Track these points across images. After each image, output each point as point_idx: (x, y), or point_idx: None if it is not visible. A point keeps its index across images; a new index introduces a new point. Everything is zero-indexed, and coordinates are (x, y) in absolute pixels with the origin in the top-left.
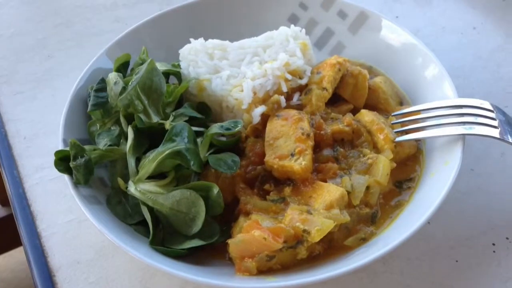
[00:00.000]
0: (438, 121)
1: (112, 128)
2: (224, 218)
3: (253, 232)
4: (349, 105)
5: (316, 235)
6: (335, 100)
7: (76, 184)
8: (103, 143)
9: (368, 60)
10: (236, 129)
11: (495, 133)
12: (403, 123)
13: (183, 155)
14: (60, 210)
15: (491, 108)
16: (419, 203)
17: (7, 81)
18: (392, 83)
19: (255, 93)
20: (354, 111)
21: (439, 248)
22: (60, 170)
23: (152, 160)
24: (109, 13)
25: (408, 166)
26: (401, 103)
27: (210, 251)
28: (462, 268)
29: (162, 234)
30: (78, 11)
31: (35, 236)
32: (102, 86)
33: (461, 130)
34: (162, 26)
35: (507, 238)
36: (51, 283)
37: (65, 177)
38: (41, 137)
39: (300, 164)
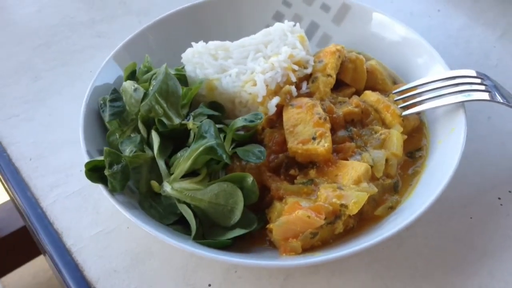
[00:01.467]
0: (436, 93)
1: (132, 135)
2: (254, 207)
3: (297, 212)
4: (351, 88)
5: (354, 208)
6: (338, 85)
7: (111, 192)
8: (128, 150)
9: (356, 47)
10: (259, 120)
11: (491, 97)
12: (404, 99)
13: (215, 150)
14: (84, 224)
15: (480, 75)
16: (434, 169)
17: None
18: (383, 65)
19: (267, 86)
20: (357, 94)
21: (454, 208)
22: (93, 181)
23: (186, 158)
24: (88, 30)
25: (414, 138)
26: (395, 82)
27: (249, 239)
28: (477, 224)
29: (201, 229)
30: (56, 30)
31: (65, 252)
32: (116, 96)
33: (460, 98)
34: (165, 30)
35: (510, 192)
36: None
37: (100, 186)
38: (46, 156)
39: (323, 146)
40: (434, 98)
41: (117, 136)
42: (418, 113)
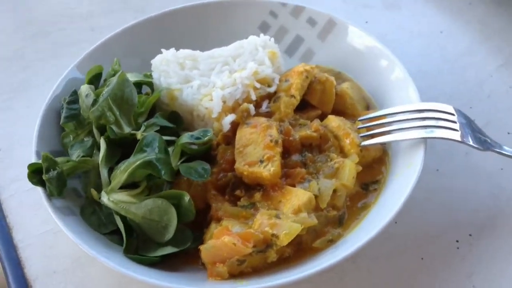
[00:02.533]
0: (401, 125)
1: (85, 139)
2: (198, 225)
3: (223, 238)
4: (317, 110)
5: (284, 239)
6: (304, 106)
7: (49, 196)
8: (76, 154)
9: (337, 66)
10: (206, 138)
11: (455, 135)
12: (368, 128)
13: (154, 165)
14: (36, 221)
15: (452, 111)
16: (384, 204)
17: None
18: (359, 88)
19: (224, 102)
20: (323, 117)
21: (406, 247)
22: (33, 183)
23: (123, 170)
24: (84, 23)
25: (374, 169)
26: (367, 107)
27: (184, 258)
28: (428, 265)
29: (136, 242)
30: (54, 20)
31: (11, 248)
32: (74, 98)
33: (422, 133)
34: (134, 36)
35: (470, 235)
36: None
37: (39, 189)
38: (16, 148)
39: (268, 170)
40: (398, 130)
41: (71, 139)
42: (383, 144)
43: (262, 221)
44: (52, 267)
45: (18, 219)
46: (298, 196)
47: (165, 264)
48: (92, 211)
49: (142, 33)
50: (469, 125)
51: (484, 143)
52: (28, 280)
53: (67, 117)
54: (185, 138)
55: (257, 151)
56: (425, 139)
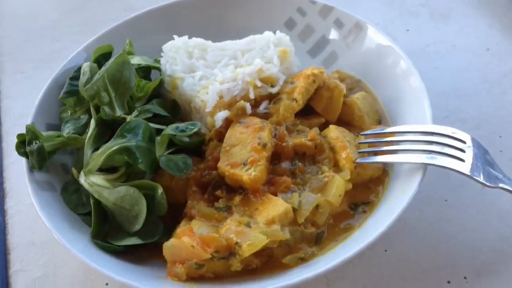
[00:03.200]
0: (404, 146)
1: (81, 117)
2: (175, 218)
3: (184, 238)
4: (321, 118)
5: (246, 250)
6: (308, 112)
7: (31, 168)
8: (67, 130)
9: (359, 73)
10: (191, 131)
11: (459, 166)
12: (371, 144)
13: (132, 152)
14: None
15: (465, 139)
16: (369, 229)
17: (12, 59)
18: (374, 100)
19: (221, 97)
20: (326, 126)
21: (390, 277)
22: (19, 153)
23: (101, 154)
24: (119, 2)
25: (369, 189)
26: (379, 122)
27: (154, 250)
28: None
29: (108, 228)
30: None
31: (1, 214)
32: (77, 74)
33: (423, 158)
34: (163, 18)
35: (465, 278)
36: (5, 261)
37: (23, 160)
38: (29, 117)
39: (249, 174)
40: (400, 151)
41: (69, 114)
42: (385, 163)
43: (230, 227)
44: (32, 238)
45: (14, 186)
46: (276, 206)
47: (132, 254)
48: (75, 190)
49: (170, 17)
50: (482, 158)
51: (495, 179)
52: (8, 247)
53: (66, 92)
54: (170, 129)
55: (243, 152)
56: (425, 165)
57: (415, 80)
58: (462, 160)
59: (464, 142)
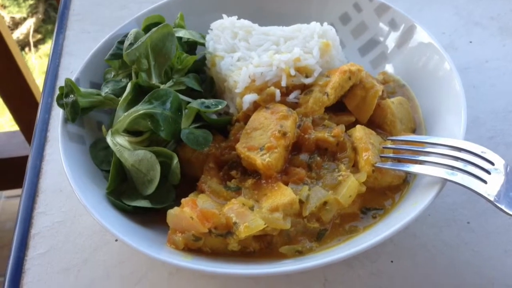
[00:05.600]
0: (428, 158)
1: (122, 79)
2: (192, 191)
3: (185, 208)
4: (351, 117)
5: (243, 230)
6: (341, 109)
7: (66, 120)
8: (105, 90)
9: (405, 77)
10: (216, 108)
11: (479, 187)
12: (396, 150)
13: (155, 120)
14: None
15: (494, 160)
16: (373, 236)
17: (81, 19)
18: (415, 108)
19: (254, 80)
20: (356, 125)
21: None
22: (58, 104)
23: (127, 116)
24: None
25: (385, 196)
26: (414, 130)
27: (163, 216)
28: None
29: (125, 187)
30: None
31: (39, 158)
32: (125, 39)
33: (442, 173)
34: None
35: None
36: (32, 202)
37: (61, 111)
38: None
39: (263, 159)
40: (422, 162)
41: (112, 76)
42: (405, 172)
43: (232, 207)
44: (61, 186)
45: (55, 135)
46: (283, 195)
47: (141, 216)
48: (104, 147)
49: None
50: (511, 185)
51: None
52: (38, 190)
53: (112, 55)
54: (196, 103)
55: (262, 137)
56: (443, 180)
57: (457, 95)
58: (485, 181)
59: (493, 164)
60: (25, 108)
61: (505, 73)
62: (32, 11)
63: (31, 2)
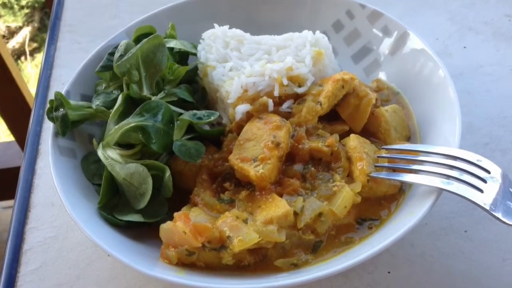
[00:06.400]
0: (423, 167)
1: (113, 91)
2: (186, 205)
3: (178, 223)
4: (345, 126)
5: (237, 244)
6: (334, 118)
7: (57, 133)
8: (96, 102)
9: (399, 85)
10: (208, 120)
11: (475, 196)
12: (390, 159)
13: (147, 132)
14: None
15: (489, 169)
16: (369, 247)
17: (72, 30)
18: (409, 115)
19: (246, 90)
20: (349, 134)
21: None
22: (48, 118)
23: (118, 129)
24: None
25: (381, 206)
26: (408, 138)
27: (155, 231)
28: None
29: (116, 201)
30: None
31: (31, 172)
32: (116, 51)
33: (437, 182)
34: (210, 6)
35: None
36: (24, 217)
37: (51, 125)
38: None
39: (257, 171)
40: (417, 171)
41: (103, 88)
42: (400, 182)
43: (226, 220)
44: (52, 200)
45: (47, 149)
46: (277, 207)
47: (133, 231)
48: (95, 160)
49: (207, 7)
50: (507, 192)
51: None
52: (30, 205)
53: (103, 66)
54: (187, 115)
55: (256, 148)
56: (439, 190)
57: (451, 102)
58: (481, 190)
59: (489, 172)
60: (20, 118)
61: (499, 78)
62: (28, 20)
63: (26, 11)
